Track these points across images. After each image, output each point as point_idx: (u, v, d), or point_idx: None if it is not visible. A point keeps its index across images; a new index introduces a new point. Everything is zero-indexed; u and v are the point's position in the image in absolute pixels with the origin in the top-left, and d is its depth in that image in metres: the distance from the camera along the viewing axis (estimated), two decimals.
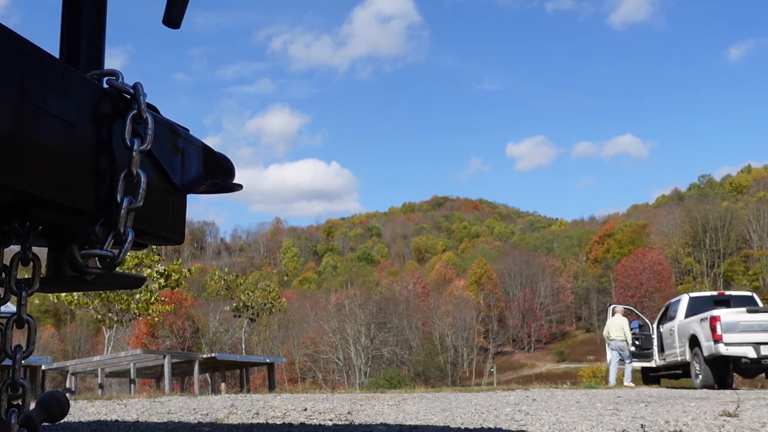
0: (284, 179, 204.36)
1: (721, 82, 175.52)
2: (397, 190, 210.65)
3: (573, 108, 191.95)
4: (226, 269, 47.09)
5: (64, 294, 25.49)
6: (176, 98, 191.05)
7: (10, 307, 14.04)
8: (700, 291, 16.37)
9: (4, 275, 1.13)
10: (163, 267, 27.26)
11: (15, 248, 1.18)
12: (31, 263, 1.13)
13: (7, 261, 1.15)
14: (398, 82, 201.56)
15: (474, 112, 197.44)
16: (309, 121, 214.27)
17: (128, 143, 1.19)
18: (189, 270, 32.20)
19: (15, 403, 1.11)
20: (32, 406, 1.26)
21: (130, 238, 1.17)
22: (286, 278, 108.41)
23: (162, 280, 26.82)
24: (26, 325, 1.14)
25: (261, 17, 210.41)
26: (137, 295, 26.60)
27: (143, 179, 1.19)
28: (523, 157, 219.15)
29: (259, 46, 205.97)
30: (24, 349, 1.11)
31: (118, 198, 1.17)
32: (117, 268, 1.19)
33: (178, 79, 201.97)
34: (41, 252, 1.22)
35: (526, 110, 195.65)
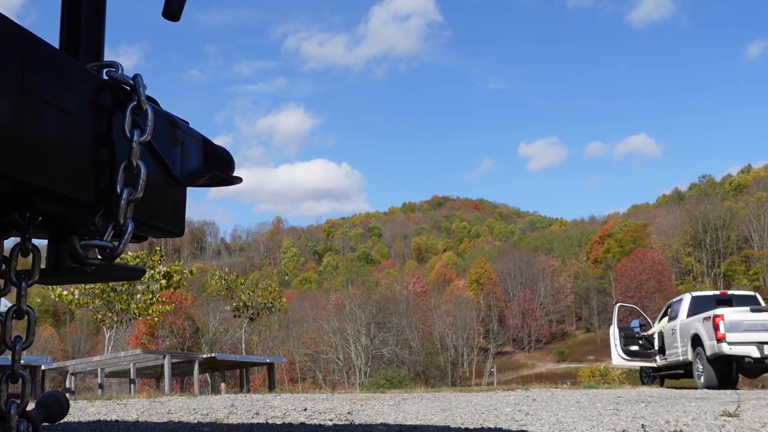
0: (294, 179, 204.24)
1: (739, 81, 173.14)
2: (405, 189, 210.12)
3: (587, 108, 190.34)
4: (226, 269, 47.09)
5: (64, 293, 25.48)
6: (190, 96, 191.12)
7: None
8: (701, 291, 16.30)
9: (4, 266, 1.13)
10: (164, 268, 27.25)
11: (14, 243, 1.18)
12: (31, 254, 1.13)
13: (6, 252, 1.15)
14: (413, 81, 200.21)
15: (487, 113, 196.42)
16: (322, 122, 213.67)
17: (128, 134, 1.20)
18: (191, 271, 32.19)
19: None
20: (32, 406, 1.25)
21: (130, 229, 1.17)
22: (286, 278, 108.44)
23: (163, 281, 26.81)
24: (26, 316, 1.13)
25: (278, 15, 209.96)
26: (138, 295, 26.59)
27: (143, 170, 1.19)
28: (535, 157, 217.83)
29: (275, 44, 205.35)
30: (24, 340, 1.11)
31: (118, 189, 1.17)
32: (116, 260, 1.19)
33: (192, 77, 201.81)
34: (41, 244, 1.22)
35: (540, 111, 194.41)
